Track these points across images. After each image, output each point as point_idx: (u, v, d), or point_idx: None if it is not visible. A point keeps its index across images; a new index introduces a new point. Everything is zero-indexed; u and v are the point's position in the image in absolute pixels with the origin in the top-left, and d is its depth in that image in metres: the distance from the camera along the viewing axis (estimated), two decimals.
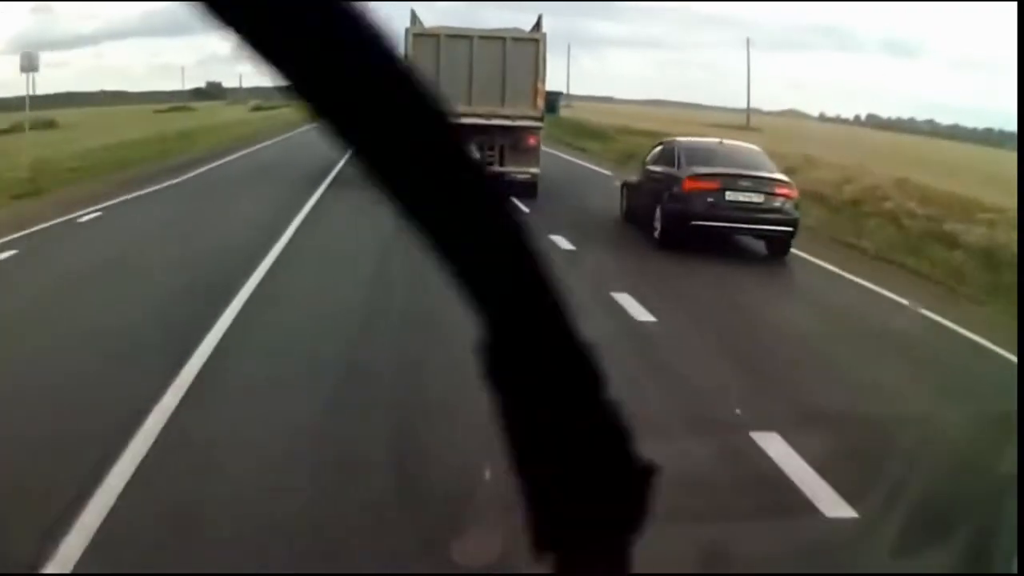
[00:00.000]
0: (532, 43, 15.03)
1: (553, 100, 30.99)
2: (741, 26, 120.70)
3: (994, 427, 5.13)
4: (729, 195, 10.79)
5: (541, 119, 15.28)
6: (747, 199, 10.81)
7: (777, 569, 3.51)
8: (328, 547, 3.44)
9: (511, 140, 14.87)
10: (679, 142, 12.64)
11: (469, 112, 13.84)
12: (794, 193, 11.09)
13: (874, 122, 60.99)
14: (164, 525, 3.59)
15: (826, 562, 3.63)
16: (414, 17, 15.66)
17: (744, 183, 10.91)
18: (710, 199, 10.77)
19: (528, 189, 14.63)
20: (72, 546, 3.30)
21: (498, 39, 15.09)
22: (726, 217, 10.78)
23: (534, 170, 15.11)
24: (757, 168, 11.41)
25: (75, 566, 3.20)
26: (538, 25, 15.76)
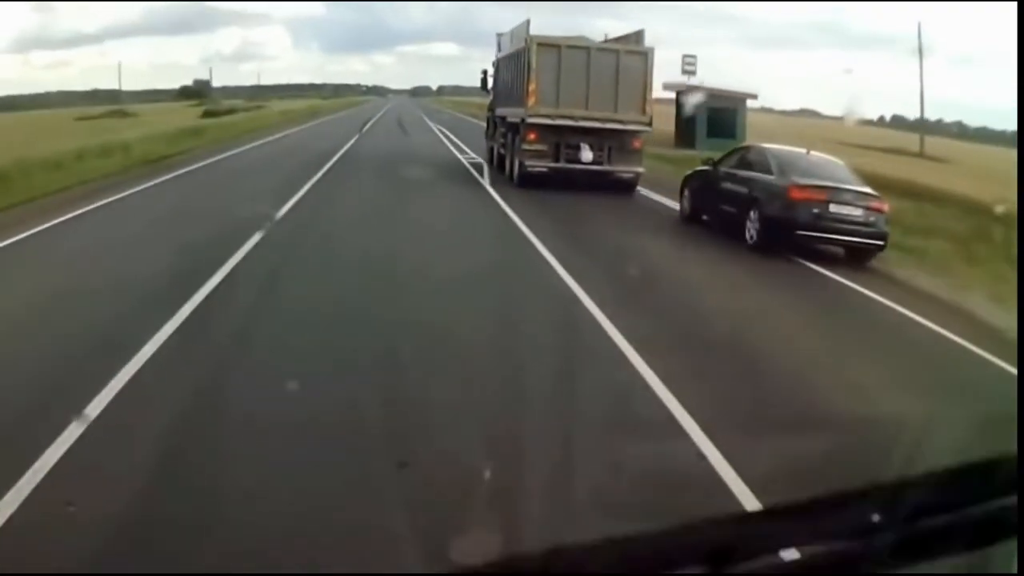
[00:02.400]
0: (642, 56, 16.65)
1: (729, 119, 27.10)
2: (745, 23, 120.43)
3: (994, 427, 5.13)
4: (833, 208, 11.14)
5: (649, 124, 16.59)
6: (848, 212, 11.15)
7: (777, 569, 3.50)
8: (327, 547, 3.44)
9: (619, 142, 16.34)
10: (769, 149, 12.74)
11: (586, 116, 16.02)
12: (885, 207, 11.48)
13: (900, 123, 59.72)
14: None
15: (826, 562, 3.62)
16: (528, 25, 17.00)
17: (846, 196, 11.28)
18: (815, 210, 11.09)
19: (628, 187, 16.78)
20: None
21: (612, 51, 16.71)
22: (829, 228, 11.12)
23: (639, 169, 16.79)
24: (848, 181, 11.73)
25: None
26: (640, 38, 17.23)
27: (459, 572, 3.42)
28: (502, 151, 19.08)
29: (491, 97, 21.67)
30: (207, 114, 44.52)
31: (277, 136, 32.48)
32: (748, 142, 16.32)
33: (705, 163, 14.07)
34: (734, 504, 3.92)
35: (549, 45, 16.45)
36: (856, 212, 11.17)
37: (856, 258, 11.36)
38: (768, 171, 11.90)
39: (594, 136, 16.07)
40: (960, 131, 50.16)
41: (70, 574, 3.12)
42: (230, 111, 46.88)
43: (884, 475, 4.39)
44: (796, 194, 11.18)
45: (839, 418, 5.27)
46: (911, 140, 41.35)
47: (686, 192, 14.13)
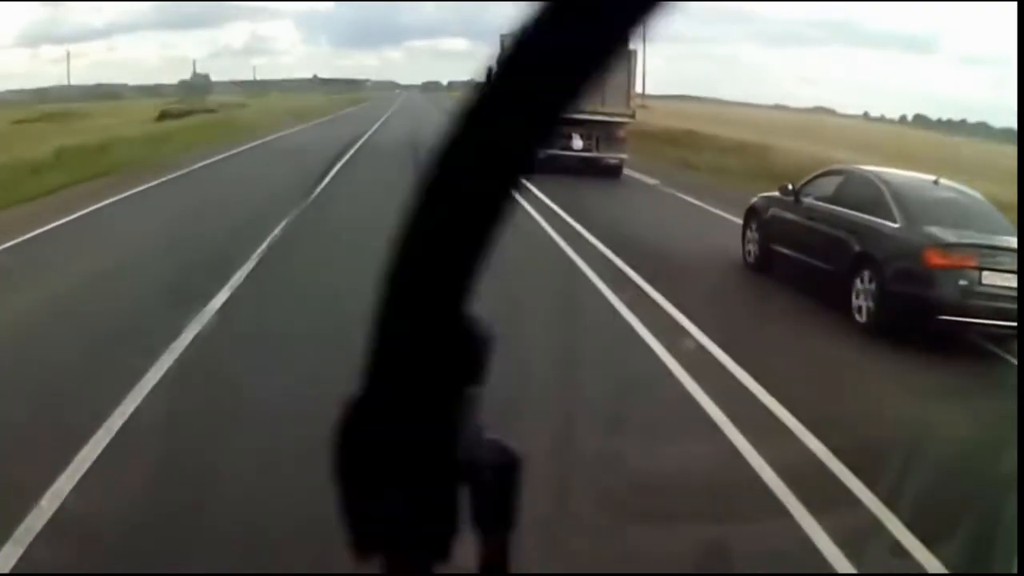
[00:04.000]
0: (626, 55, 18.77)
1: None
2: (756, 21, 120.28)
3: (994, 427, 5.14)
4: (987, 277, 7.46)
5: (632, 116, 18.78)
6: (1005, 283, 7.38)
7: (777, 569, 3.51)
8: (327, 542, 3.44)
9: (606, 132, 18.34)
10: (880, 176, 8.83)
11: (579, 109, 18.66)
12: None
13: (923, 123, 58.34)
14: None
15: (825, 562, 3.63)
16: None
17: (1004, 259, 7.48)
18: (963, 282, 7.44)
19: (614, 171, 18.80)
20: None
21: None
22: (983, 311, 7.35)
23: (623, 155, 19.00)
24: (1000, 231, 7.97)
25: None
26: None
27: (459, 572, 3.43)
28: None
29: None
30: (163, 116, 36.43)
31: (203, 164, 18.13)
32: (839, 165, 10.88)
33: (781, 189, 9.78)
34: None
35: None
36: (1014, 283, 7.33)
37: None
38: (887, 214, 8.13)
39: (584, 127, 17.74)
40: (985, 132, 49.07)
41: None
42: (207, 111, 39.35)
43: (885, 474, 4.39)
44: (936, 258, 7.52)
45: None
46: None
47: (751, 227, 10.13)
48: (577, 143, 17.79)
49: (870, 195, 8.45)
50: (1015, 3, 14.27)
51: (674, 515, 3.82)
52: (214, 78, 77.61)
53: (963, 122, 56.30)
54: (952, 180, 9.16)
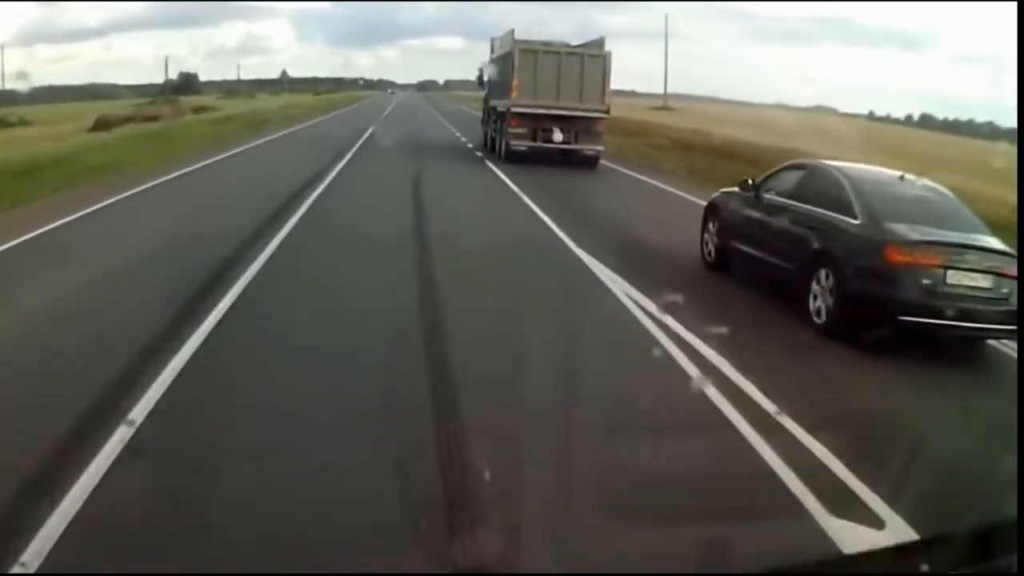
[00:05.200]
0: (601, 58, 20.64)
1: None
2: (754, 18, 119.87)
3: (994, 427, 5.14)
4: (951, 277, 7.11)
5: (607, 112, 20.49)
6: (973, 283, 7.12)
7: (777, 569, 3.50)
8: (325, 543, 3.44)
9: (584, 126, 20.16)
10: (843, 171, 8.41)
11: (557, 105, 20.04)
12: (1015, 272, 7.20)
13: (929, 122, 57.71)
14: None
15: (826, 562, 3.63)
16: (513, 33, 21.62)
17: (970, 257, 7.18)
18: (926, 281, 7.06)
19: (592, 162, 20.52)
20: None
21: (578, 55, 20.76)
22: (946, 312, 6.99)
23: (600, 148, 20.69)
24: (968, 229, 7.64)
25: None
26: (601, 44, 21.36)
27: (459, 572, 3.44)
28: (494, 135, 23.11)
29: (486, 91, 25.11)
30: (99, 125, 30.33)
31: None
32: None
33: (741, 184, 9.48)
34: None
35: (529, 50, 20.55)
36: (984, 283, 7.11)
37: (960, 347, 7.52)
38: (847, 209, 7.77)
39: (564, 121, 20.09)
40: (992, 132, 48.61)
41: None
42: (153, 118, 32.79)
43: (886, 471, 4.37)
44: (896, 256, 7.14)
45: None
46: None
47: (711, 225, 9.90)
48: (558, 136, 19.99)
49: (831, 190, 8.09)
50: (1015, 2, 14.27)
51: (675, 513, 3.82)
52: (213, 77, 76.92)
53: (970, 121, 55.91)
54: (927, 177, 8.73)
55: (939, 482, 4.17)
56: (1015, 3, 14.00)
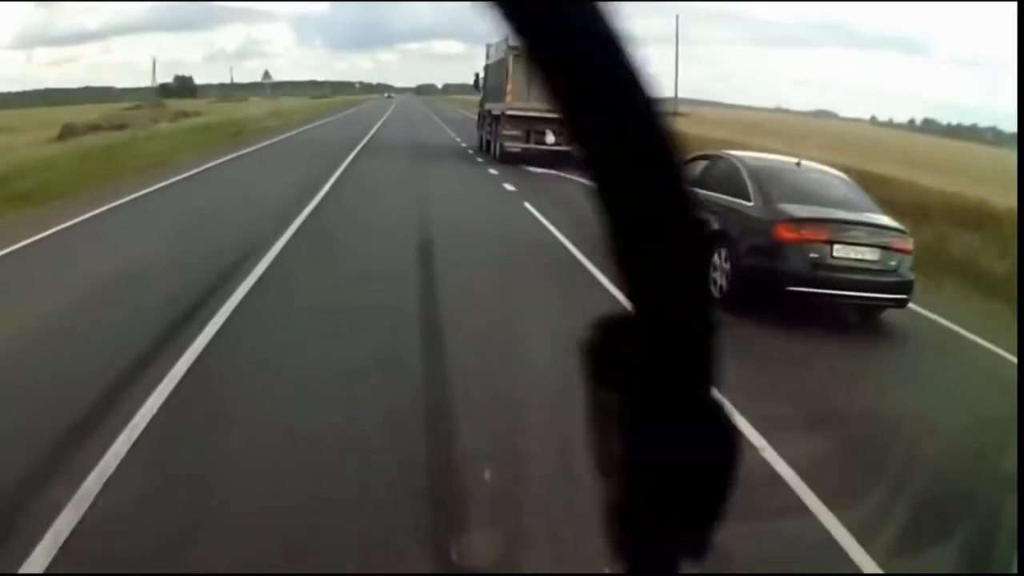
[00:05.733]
0: None
1: None
2: (754, 24, 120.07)
3: (994, 427, 5.14)
4: (838, 250, 7.86)
5: None
6: (858, 256, 7.89)
7: (777, 569, 3.51)
8: (325, 542, 3.44)
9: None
10: (742, 160, 9.23)
11: (550, 109, 20.61)
12: (910, 246, 8.20)
13: (932, 128, 57.49)
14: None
15: (826, 562, 3.64)
16: (508, 39, 22.65)
17: (855, 233, 7.97)
18: (813, 255, 7.81)
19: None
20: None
21: None
22: (833, 282, 7.78)
23: None
24: (860, 208, 8.49)
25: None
26: None
27: (459, 572, 3.44)
28: (488, 137, 24.01)
29: (481, 95, 26.16)
30: (64, 133, 28.77)
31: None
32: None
33: None
34: None
35: (523, 55, 21.72)
36: (871, 256, 7.92)
37: (864, 316, 8.38)
38: (743, 194, 8.53)
39: (556, 124, 21.59)
40: (995, 137, 48.44)
41: None
42: (119, 127, 30.32)
43: (885, 472, 4.38)
44: (786, 233, 7.90)
45: None
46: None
47: None
48: (550, 138, 20.57)
49: (730, 177, 8.82)
50: (1015, 3, 14.26)
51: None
52: (212, 81, 75.99)
53: (974, 126, 55.77)
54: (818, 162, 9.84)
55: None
56: (1015, 3, 14.00)
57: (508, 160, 20.81)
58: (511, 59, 21.00)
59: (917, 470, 4.27)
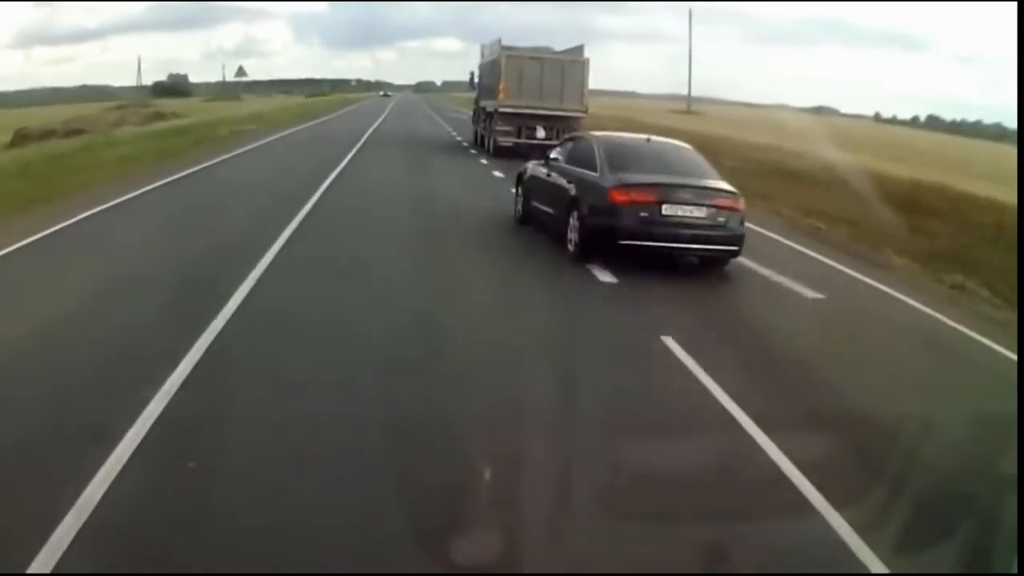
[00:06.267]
0: (580, 64, 22.72)
1: None
2: (751, 21, 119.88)
3: (994, 427, 5.14)
4: (666, 209, 9.21)
5: (585, 111, 22.35)
6: (686, 214, 9.27)
7: (777, 569, 3.51)
8: (325, 542, 3.44)
9: (564, 125, 21.47)
10: (597, 138, 10.85)
11: (540, 106, 22.10)
12: (740, 205, 9.55)
13: (935, 124, 57.10)
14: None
15: (826, 562, 3.63)
16: (500, 41, 23.77)
17: (684, 194, 9.31)
18: (643, 214, 9.17)
19: None
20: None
21: (559, 61, 22.86)
22: (662, 236, 9.19)
23: None
24: (695, 174, 9.84)
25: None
26: (580, 50, 23.44)
27: (459, 572, 3.44)
28: (483, 132, 25.28)
29: (476, 93, 27.57)
30: (17, 138, 27.07)
31: None
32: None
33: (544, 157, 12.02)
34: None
35: (514, 56, 22.69)
36: (699, 213, 9.23)
37: (707, 264, 9.67)
38: (593, 166, 9.94)
39: (546, 120, 22.18)
40: (1000, 133, 48.06)
41: None
42: (75, 132, 28.07)
43: (885, 473, 4.36)
44: (617, 196, 9.25)
45: None
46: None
47: (518, 190, 12.27)
48: (541, 133, 21.89)
49: (586, 153, 10.34)
50: (1015, 2, 14.25)
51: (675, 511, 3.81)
52: (210, 79, 74.72)
53: (978, 123, 55.49)
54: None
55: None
56: (1015, 3, 13.99)
57: (501, 154, 22.04)
58: (504, 59, 22.41)
59: (917, 470, 4.26)
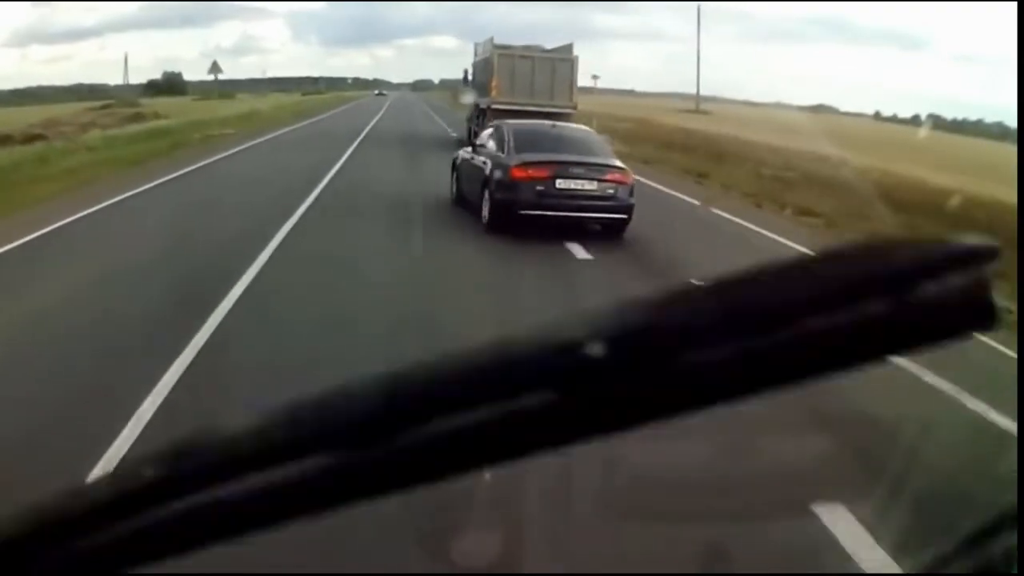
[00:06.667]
0: (569, 62, 23.86)
1: None
2: (748, 20, 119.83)
3: (994, 427, 5.15)
4: (560, 183, 10.78)
5: (575, 107, 23.35)
6: (578, 187, 10.83)
7: (777, 569, 3.51)
8: (327, 542, 3.44)
9: (554, 120, 25.72)
10: (507, 124, 12.48)
11: (531, 102, 23.02)
12: (629, 179, 11.07)
13: (938, 123, 56.86)
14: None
15: (826, 562, 3.64)
16: (492, 40, 25.08)
17: (576, 170, 10.87)
18: (539, 187, 10.75)
19: None
20: None
21: (549, 59, 23.91)
22: (556, 206, 10.76)
23: None
24: (590, 153, 11.40)
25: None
26: (570, 48, 24.40)
27: (459, 572, 3.44)
28: (476, 128, 27.24)
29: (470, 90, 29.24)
30: None
31: None
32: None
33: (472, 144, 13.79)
34: None
35: (506, 54, 23.73)
36: (589, 186, 10.81)
37: (607, 232, 11.07)
38: (503, 148, 11.59)
39: (537, 116, 23.55)
40: (1002, 132, 47.72)
41: None
42: (31, 138, 26.43)
43: (885, 473, 4.38)
44: (517, 173, 10.87)
45: None
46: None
47: (454, 175, 13.90)
48: None
49: (500, 138, 11.97)
50: (1015, 2, 14.24)
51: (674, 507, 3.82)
52: (207, 77, 74.18)
53: (979, 122, 55.29)
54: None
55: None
56: (1015, 3, 13.98)
57: None
58: (496, 57, 23.43)
59: (917, 470, 4.26)
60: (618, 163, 11.32)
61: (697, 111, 46.21)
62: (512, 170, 10.93)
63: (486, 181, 11.46)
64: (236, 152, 22.83)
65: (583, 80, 25.06)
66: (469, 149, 13.27)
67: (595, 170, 10.92)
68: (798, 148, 25.06)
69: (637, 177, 12.02)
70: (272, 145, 26.28)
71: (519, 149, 11.30)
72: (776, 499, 4.15)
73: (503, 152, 11.47)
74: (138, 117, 36.45)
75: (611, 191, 10.91)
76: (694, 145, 24.55)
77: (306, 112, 49.60)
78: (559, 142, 11.71)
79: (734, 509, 3.98)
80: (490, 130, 12.92)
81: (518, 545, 3.47)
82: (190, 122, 30.48)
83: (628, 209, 11.01)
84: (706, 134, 29.92)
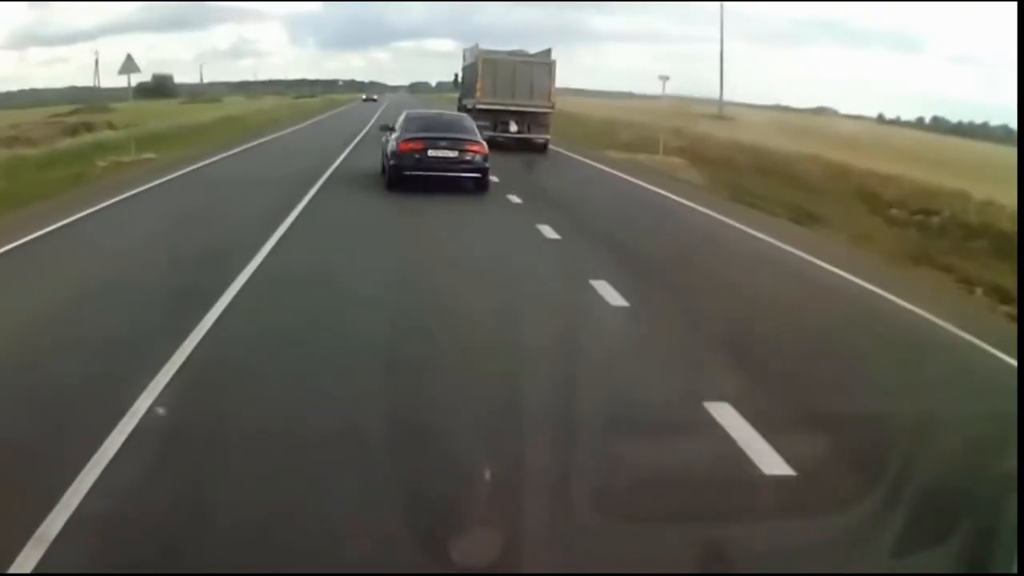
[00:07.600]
0: (548, 66, 26.21)
1: None
2: (746, 20, 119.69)
3: (994, 427, 5.13)
4: (431, 152, 15.10)
5: (552, 107, 25.90)
6: (444, 155, 15.15)
7: (777, 569, 3.50)
8: (327, 541, 3.44)
9: (534, 119, 25.66)
10: (408, 113, 17.09)
11: (513, 103, 25.44)
12: (483, 149, 15.53)
13: (941, 126, 56.28)
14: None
15: (826, 562, 3.62)
16: (478, 46, 27.83)
17: (442, 143, 15.28)
18: (417, 156, 15.08)
19: (541, 148, 25.55)
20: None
21: (529, 63, 26.26)
22: (429, 167, 15.03)
23: (547, 136, 26.06)
24: (458, 131, 16.04)
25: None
26: (548, 53, 26.86)
27: (459, 572, 3.43)
28: None
29: (460, 92, 30.87)
30: None
31: None
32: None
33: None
34: None
35: (490, 59, 26.17)
36: (451, 154, 15.18)
37: (475, 185, 15.43)
38: (397, 131, 15.89)
39: (518, 116, 25.53)
40: (1005, 134, 47.09)
41: None
42: None
43: (884, 473, 4.36)
44: (403, 146, 15.24)
45: None
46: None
47: (381, 153, 17.77)
48: (513, 127, 25.40)
49: (399, 124, 16.22)
50: (1015, 2, 14.21)
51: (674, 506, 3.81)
52: (205, 80, 72.52)
53: (984, 125, 55.01)
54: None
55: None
56: (1015, 3, 13.95)
57: None
58: (481, 62, 26.01)
59: (917, 470, 4.26)
60: (474, 137, 15.94)
61: (720, 117, 41.15)
62: (400, 144, 15.33)
63: (386, 155, 16.09)
64: (125, 199, 14.17)
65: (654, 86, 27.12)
66: (387, 134, 16.99)
67: (457, 143, 15.40)
68: (898, 173, 19.47)
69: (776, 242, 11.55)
70: (191, 184, 17.19)
71: (407, 130, 15.66)
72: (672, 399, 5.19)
73: (397, 133, 15.78)
74: (84, 128, 30.11)
75: (468, 158, 15.30)
76: (766, 167, 20.03)
77: (306, 114, 47.68)
78: (438, 124, 16.49)
79: (734, 509, 3.97)
80: (400, 119, 16.67)
81: (518, 545, 3.46)
82: (136, 136, 24.04)
83: (483, 170, 15.41)
84: (758, 147, 25.34)
